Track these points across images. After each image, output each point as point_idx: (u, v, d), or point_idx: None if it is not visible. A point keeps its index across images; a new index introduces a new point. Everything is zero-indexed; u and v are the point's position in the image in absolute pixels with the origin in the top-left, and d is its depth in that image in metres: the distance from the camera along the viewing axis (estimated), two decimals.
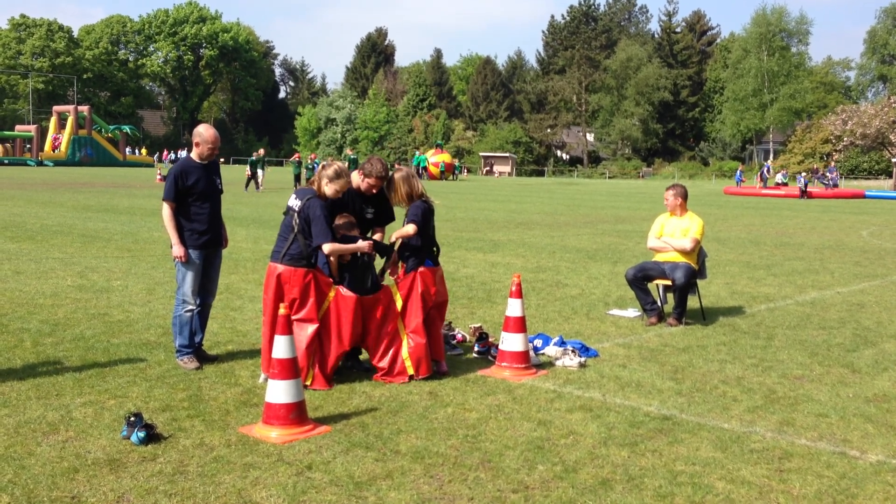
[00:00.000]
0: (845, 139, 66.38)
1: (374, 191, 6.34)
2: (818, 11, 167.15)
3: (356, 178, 6.32)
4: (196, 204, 6.37)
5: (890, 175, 54.20)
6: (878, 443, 5.02)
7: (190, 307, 6.39)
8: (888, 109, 65.10)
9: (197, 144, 6.44)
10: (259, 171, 34.51)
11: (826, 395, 6.01)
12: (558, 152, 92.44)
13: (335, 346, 5.97)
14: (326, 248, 5.88)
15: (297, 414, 4.95)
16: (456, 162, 62.17)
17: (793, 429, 5.25)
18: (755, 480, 4.39)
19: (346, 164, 27.59)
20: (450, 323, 7.71)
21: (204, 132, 6.42)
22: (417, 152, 66.05)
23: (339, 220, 6.21)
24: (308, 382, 5.85)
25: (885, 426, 5.33)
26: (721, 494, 4.20)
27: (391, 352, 6.17)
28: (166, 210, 6.33)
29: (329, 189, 6.02)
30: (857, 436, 5.14)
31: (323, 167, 6.12)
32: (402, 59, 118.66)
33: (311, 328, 5.87)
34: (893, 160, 54.51)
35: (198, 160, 6.44)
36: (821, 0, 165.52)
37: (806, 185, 41.48)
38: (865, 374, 6.65)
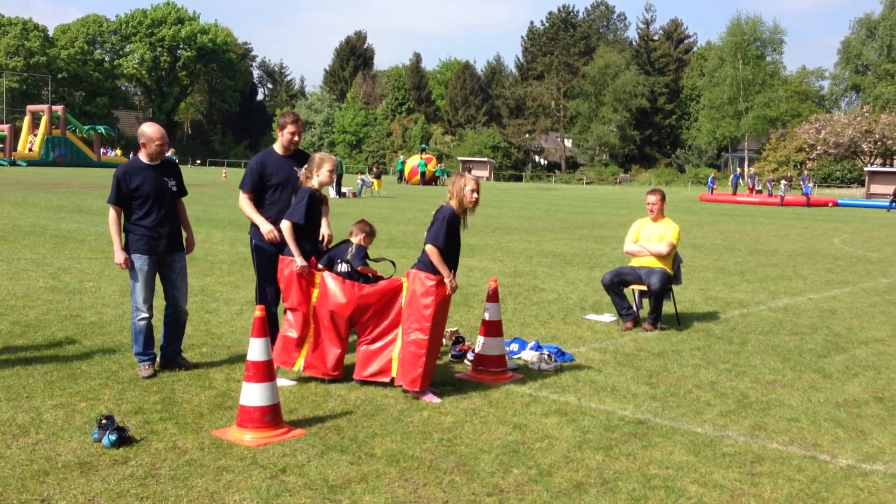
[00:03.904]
0: (818, 148, 67.15)
1: None
2: (792, 21, 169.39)
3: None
4: (143, 207, 6.16)
5: (862, 184, 54.89)
6: (848, 447, 5.08)
7: (143, 315, 6.21)
8: (861, 119, 65.98)
9: (143, 144, 6.22)
10: None
11: (797, 400, 6.07)
12: (536, 157, 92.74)
13: (327, 331, 6.06)
14: (285, 224, 6.05)
15: (271, 417, 4.92)
16: (441, 166, 62.06)
17: (765, 433, 5.31)
18: (727, 484, 4.43)
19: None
20: None
21: (148, 130, 6.20)
22: (401, 157, 65.94)
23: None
24: (297, 368, 6.07)
25: (855, 431, 5.40)
26: (693, 498, 4.23)
27: (378, 345, 6.08)
28: (111, 214, 6.19)
29: (322, 177, 6.25)
30: (827, 440, 5.20)
31: (306, 167, 6.32)
32: (381, 62, 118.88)
33: (300, 314, 6.08)
34: (866, 169, 55.21)
35: (146, 161, 6.24)
36: (795, 10, 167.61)
37: (784, 194, 41.99)
38: (836, 379, 6.73)
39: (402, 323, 6.00)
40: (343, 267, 6.21)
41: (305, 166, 6.35)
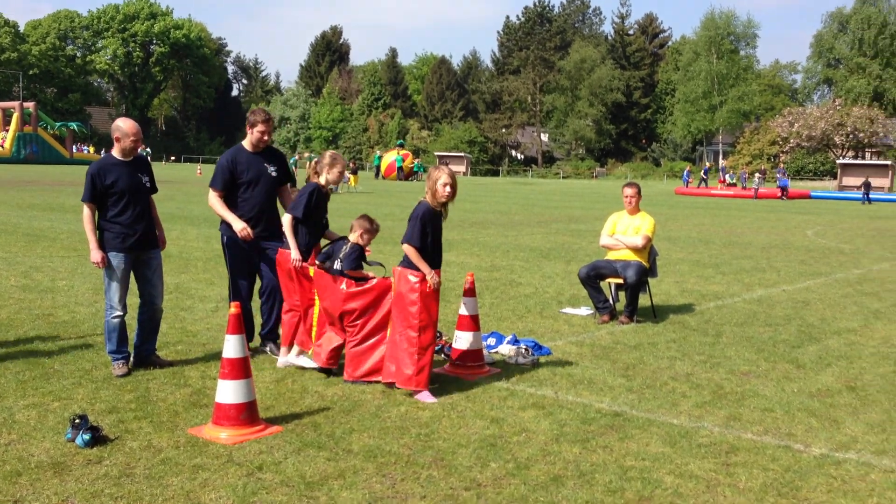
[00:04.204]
0: (792, 141, 67.85)
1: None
2: (765, 16, 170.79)
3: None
4: (118, 204, 6.07)
5: (835, 176, 55.54)
6: (821, 436, 5.14)
7: (117, 313, 6.13)
8: (833, 112, 66.76)
9: (118, 140, 6.11)
10: None
11: (771, 391, 6.13)
12: (513, 152, 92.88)
13: (326, 323, 6.19)
14: (286, 217, 6.30)
15: (247, 414, 4.89)
16: (418, 161, 62.02)
17: (739, 423, 5.35)
18: (703, 474, 4.46)
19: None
20: None
21: (122, 125, 6.11)
22: (377, 153, 65.75)
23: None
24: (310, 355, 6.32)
25: (828, 420, 5.46)
26: (670, 489, 4.26)
27: (367, 345, 6.04)
28: (85, 212, 6.07)
29: (331, 175, 6.41)
30: (801, 430, 5.26)
31: (316, 161, 6.51)
32: (356, 57, 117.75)
33: (303, 305, 6.34)
34: (838, 161, 55.87)
35: (120, 157, 6.15)
36: (768, 4, 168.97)
37: (759, 186, 42.43)
38: (809, 369, 6.80)
39: (391, 322, 5.98)
40: (337, 265, 6.19)
41: (315, 160, 6.46)
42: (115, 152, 6.19)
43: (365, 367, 6.02)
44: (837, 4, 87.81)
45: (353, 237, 6.29)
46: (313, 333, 6.30)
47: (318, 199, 6.34)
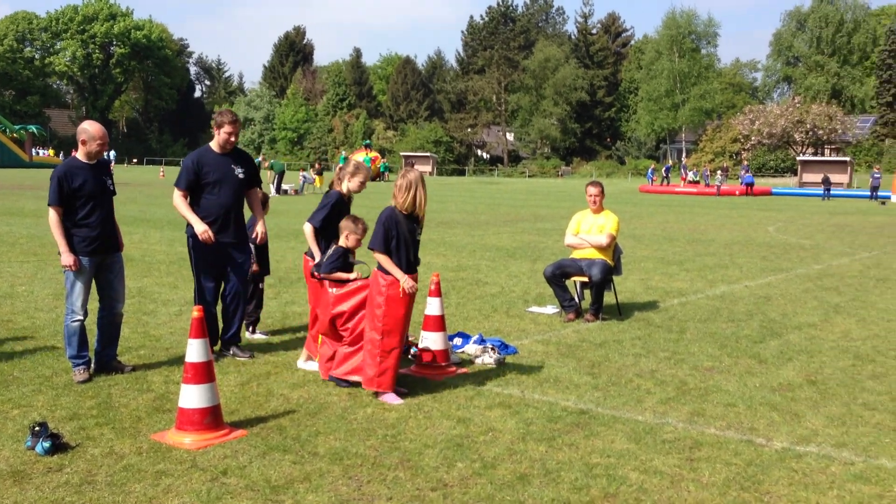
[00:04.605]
0: (753, 138, 68.80)
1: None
2: (726, 14, 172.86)
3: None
4: (85, 207, 6.00)
5: (795, 173, 56.42)
6: (782, 430, 5.21)
7: (77, 318, 6.05)
8: (792, 109, 67.80)
9: (84, 142, 6.03)
10: None
11: (734, 386, 6.21)
12: (479, 151, 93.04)
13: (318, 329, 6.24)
14: (308, 227, 6.52)
15: (211, 419, 4.84)
16: (384, 161, 61.86)
17: (703, 419, 5.41)
18: (667, 470, 4.50)
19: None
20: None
21: (90, 128, 6.03)
22: (343, 153, 65.44)
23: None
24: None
25: (790, 414, 5.54)
26: (635, 485, 4.29)
27: (356, 346, 5.98)
28: (52, 216, 5.97)
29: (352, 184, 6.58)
30: (763, 424, 5.33)
31: (340, 168, 6.67)
32: (321, 58, 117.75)
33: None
34: (798, 158, 56.77)
35: (85, 160, 6.07)
36: (728, 3, 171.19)
37: (721, 183, 42.96)
38: (771, 364, 6.90)
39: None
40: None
41: (339, 166, 6.51)
42: (80, 155, 6.10)
43: (347, 366, 5.96)
44: (796, 3, 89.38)
45: (340, 240, 6.31)
46: (319, 340, 6.26)
47: (339, 207, 6.50)
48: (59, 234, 5.98)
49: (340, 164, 6.74)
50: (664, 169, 57.54)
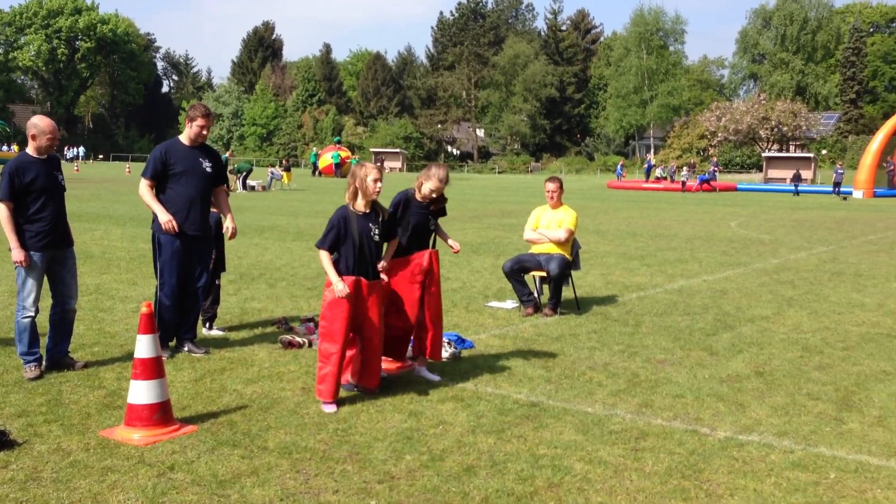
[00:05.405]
0: (720, 135, 69.53)
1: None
2: (693, 12, 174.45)
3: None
4: (37, 202, 5.97)
5: (760, 169, 57.14)
6: (727, 420, 5.32)
7: (28, 314, 6.01)
8: (758, 106, 68.61)
9: (33, 137, 6.01)
10: None
11: (684, 377, 6.32)
12: (449, 147, 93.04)
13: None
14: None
15: (160, 414, 4.84)
16: (356, 157, 61.68)
17: (651, 410, 5.51)
18: (612, 460, 4.59)
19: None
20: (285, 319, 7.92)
21: (40, 122, 6.03)
22: (314, 149, 65.08)
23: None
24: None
25: (735, 404, 5.66)
26: (579, 475, 4.37)
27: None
28: (3, 211, 5.91)
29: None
30: (708, 414, 5.44)
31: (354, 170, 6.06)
32: (290, 53, 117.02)
33: None
34: (763, 155, 57.49)
35: (35, 155, 6.04)
36: (695, 1, 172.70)
37: (686, 180, 43.37)
38: (722, 356, 7.03)
39: None
40: None
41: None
42: (31, 150, 6.07)
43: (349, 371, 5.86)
44: (761, 1, 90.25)
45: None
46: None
47: (406, 207, 6.60)
48: (10, 230, 5.94)
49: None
50: (646, 165, 58.21)
